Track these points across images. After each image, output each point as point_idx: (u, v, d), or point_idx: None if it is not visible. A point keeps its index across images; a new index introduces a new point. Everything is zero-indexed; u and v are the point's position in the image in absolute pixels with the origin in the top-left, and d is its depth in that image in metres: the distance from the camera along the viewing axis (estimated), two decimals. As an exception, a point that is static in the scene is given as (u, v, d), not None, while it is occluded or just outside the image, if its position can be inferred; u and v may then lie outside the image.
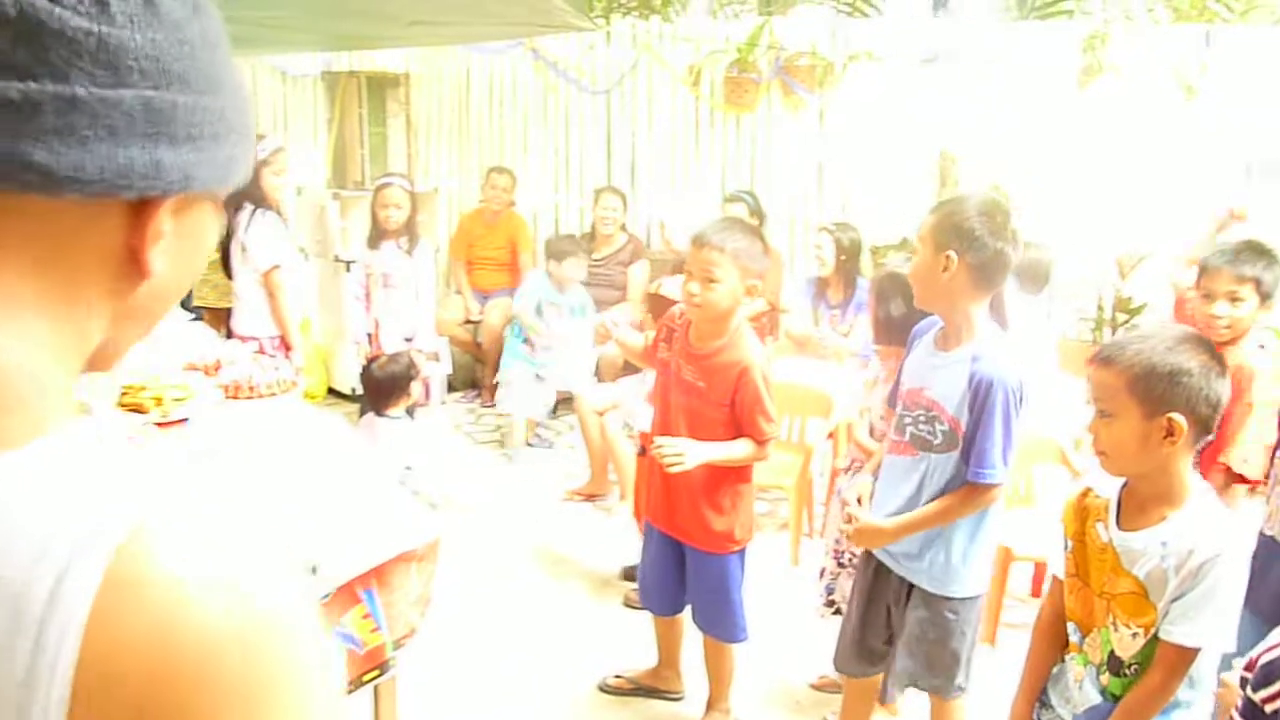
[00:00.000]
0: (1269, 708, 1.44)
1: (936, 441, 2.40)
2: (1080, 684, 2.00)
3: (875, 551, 2.59)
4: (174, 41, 0.62)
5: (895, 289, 2.94)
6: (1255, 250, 2.95)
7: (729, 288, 2.71)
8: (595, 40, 6.51)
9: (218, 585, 0.57)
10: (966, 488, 2.39)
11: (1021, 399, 2.33)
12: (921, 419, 2.43)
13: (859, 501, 2.58)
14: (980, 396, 2.31)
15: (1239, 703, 1.50)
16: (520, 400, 5.59)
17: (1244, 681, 1.49)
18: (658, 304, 3.62)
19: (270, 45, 5.74)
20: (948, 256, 2.30)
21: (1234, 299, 2.89)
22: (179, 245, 0.67)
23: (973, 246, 2.30)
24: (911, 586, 2.53)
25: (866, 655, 2.71)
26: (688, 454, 2.68)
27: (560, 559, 4.35)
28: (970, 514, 2.42)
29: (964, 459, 2.37)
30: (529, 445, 5.69)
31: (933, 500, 2.42)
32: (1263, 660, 1.47)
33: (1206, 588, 1.78)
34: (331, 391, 6.26)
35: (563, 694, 3.34)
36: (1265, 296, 2.91)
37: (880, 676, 2.74)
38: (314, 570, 2.04)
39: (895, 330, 2.92)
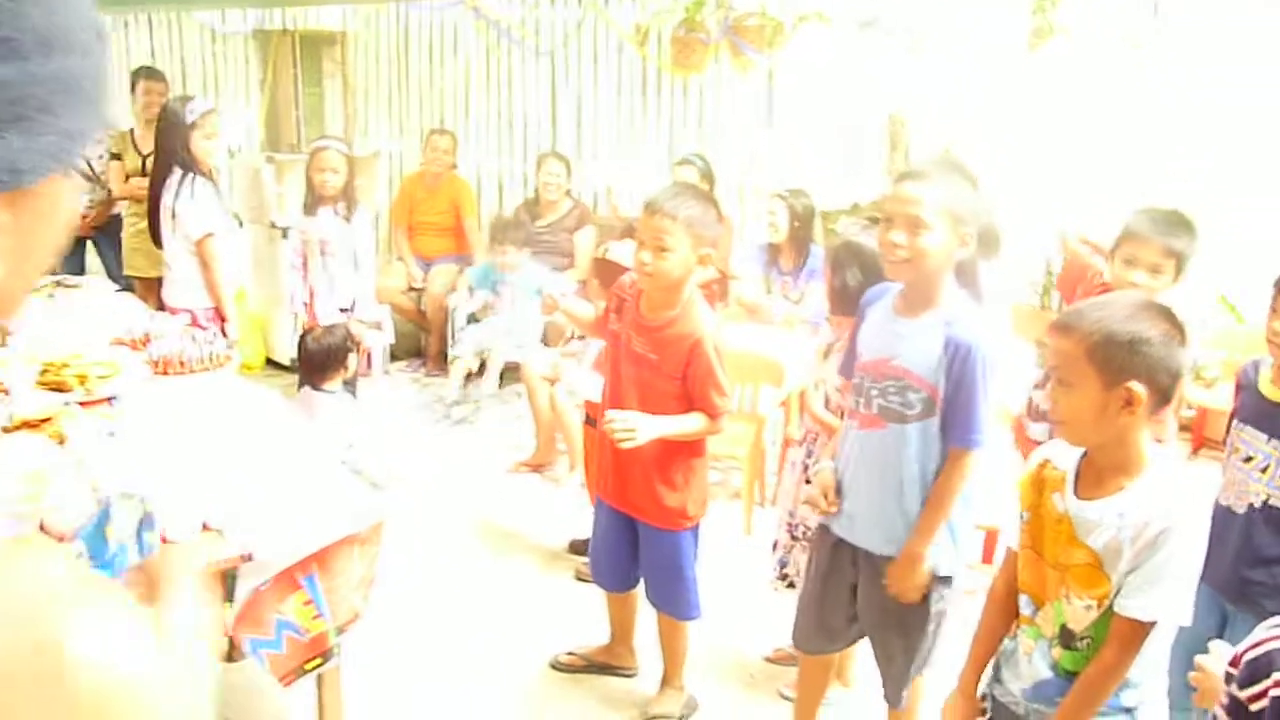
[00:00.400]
0: (1254, 706, 1.40)
1: (912, 411, 2.33)
2: (1030, 657, 1.97)
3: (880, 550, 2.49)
4: None
5: (851, 258, 2.87)
6: (1182, 224, 2.91)
7: (681, 256, 2.62)
8: (539, -2, 6.34)
9: None
10: (952, 458, 2.34)
11: (992, 363, 2.30)
12: (891, 390, 2.35)
13: (825, 497, 2.50)
14: (959, 361, 2.26)
15: (1224, 700, 1.46)
16: (467, 346, 5.55)
17: (1229, 678, 1.45)
18: (604, 269, 3.52)
19: (200, 0, 5.50)
20: (967, 233, 2.25)
21: (1155, 270, 2.85)
22: (22, 237, 0.54)
23: (979, 218, 2.28)
24: None
25: (827, 634, 2.66)
26: (639, 428, 2.60)
27: (508, 533, 4.26)
28: (964, 484, 2.36)
29: (944, 426, 2.32)
30: (476, 409, 5.60)
31: (915, 470, 2.36)
32: (1247, 657, 1.44)
33: (1161, 559, 1.74)
34: (269, 362, 6.09)
35: (513, 672, 3.27)
36: (1179, 271, 2.89)
37: (838, 653, 2.72)
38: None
39: (851, 300, 2.84)
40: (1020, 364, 3.97)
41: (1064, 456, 1.94)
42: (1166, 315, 1.78)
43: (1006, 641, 2.07)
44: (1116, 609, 1.79)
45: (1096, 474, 1.86)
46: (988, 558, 3.75)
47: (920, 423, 2.33)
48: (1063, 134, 5.13)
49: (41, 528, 2.06)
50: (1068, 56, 4.82)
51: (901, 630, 2.48)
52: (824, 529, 2.60)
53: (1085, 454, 1.90)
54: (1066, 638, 1.89)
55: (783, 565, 3.24)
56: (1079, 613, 1.85)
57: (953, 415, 2.30)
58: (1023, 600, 2.00)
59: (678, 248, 2.60)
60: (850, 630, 2.63)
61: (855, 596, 2.57)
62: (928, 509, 2.36)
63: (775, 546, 3.29)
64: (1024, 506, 2.00)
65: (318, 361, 3.77)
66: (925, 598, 2.42)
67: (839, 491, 2.51)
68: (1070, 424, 1.84)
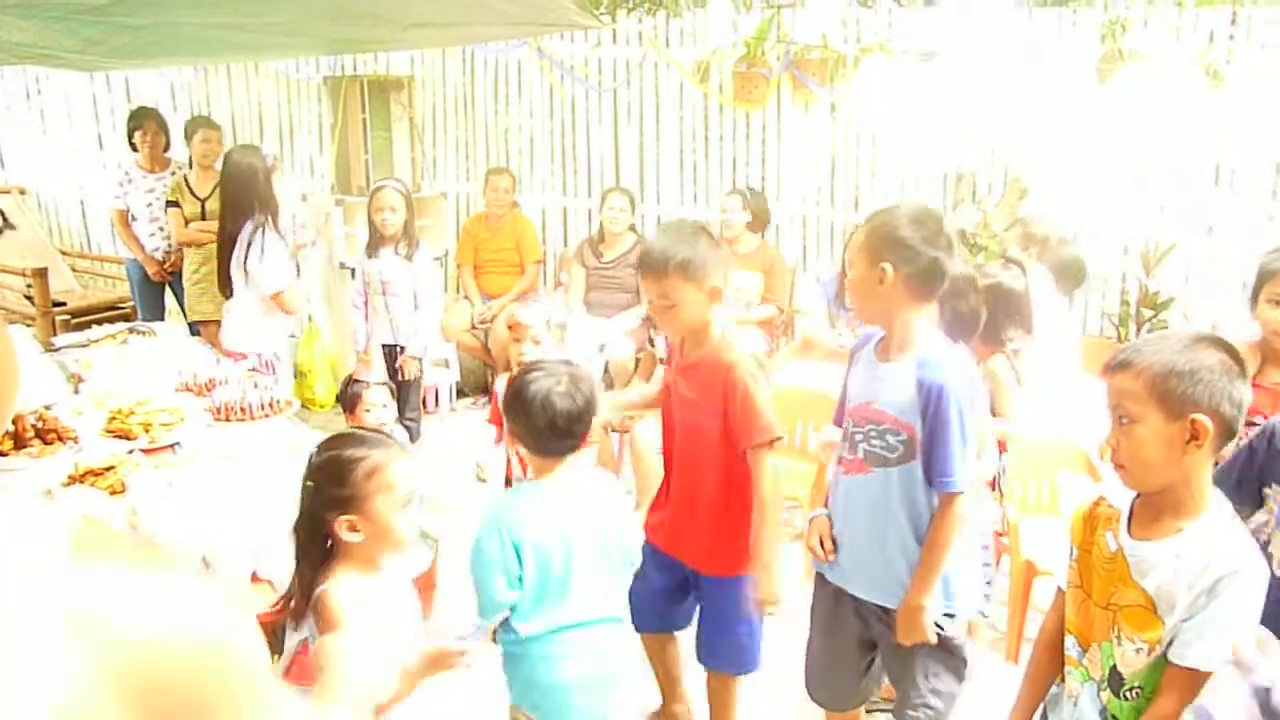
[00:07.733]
0: None
1: (894, 455, 2.34)
2: (1075, 700, 1.91)
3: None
4: None
5: (1003, 299, 3.19)
6: None
7: (688, 303, 2.57)
8: (602, 37, 6.39)
9: None
10: (941, 504, 2.34)
11: (972, 402, 2.31)
12: (873, 434, 2.36)
13: (822, 544, 2.52)
14: (931, 404, 2.26)
15: None
16: None
17: None
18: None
19: (267, 50, 5.65)
20: (882, 269, 2.27)
21: None
22: None
23: (907, 257, 2.27)
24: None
25: (838, 690, 2.67)
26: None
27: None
28: (957, 528, 2.34)
29: (924, 470, 2.32)
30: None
31: (902, 515, 2.36)
32: None
33: (1219, 606, 1.69)
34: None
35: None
36: None
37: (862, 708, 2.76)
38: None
39: (998, 339, 3.20)
40: (1092, 402, 3.83)
41: (1119, 494, 1.89)
42: (1223, 345, 1.75)
43: (1054, 687, 2.01)
44: (1173, 658, 1.74)
45: (1153, 514, 1.80)
46: (1012, 654, 3.58)
47: (902, 466, 2.33)
48: (1135, 162, 4.96)
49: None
50: (1140, 83, 4.67)
51: (924, 672, 2.44)
52: (821, 578, 2.59)
53: (1140, 493, 1.84)
54: (1115, 682, 1.83)
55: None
56: (1129, 656, 1.80)
57: (928, 458, 2.30)
58: (1068, 641, 1.96)
59: (681, 298, 2.56)
60: (864, 684, 2.63)
61: (862, 649, 2.56)
62: (924, 559, 2.34)
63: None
64: (1074, 543, 1.96)
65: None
66: (943, 640, 2.41)
67: (834, 539, 2.52)
68: (1132, 466, 1.77)
